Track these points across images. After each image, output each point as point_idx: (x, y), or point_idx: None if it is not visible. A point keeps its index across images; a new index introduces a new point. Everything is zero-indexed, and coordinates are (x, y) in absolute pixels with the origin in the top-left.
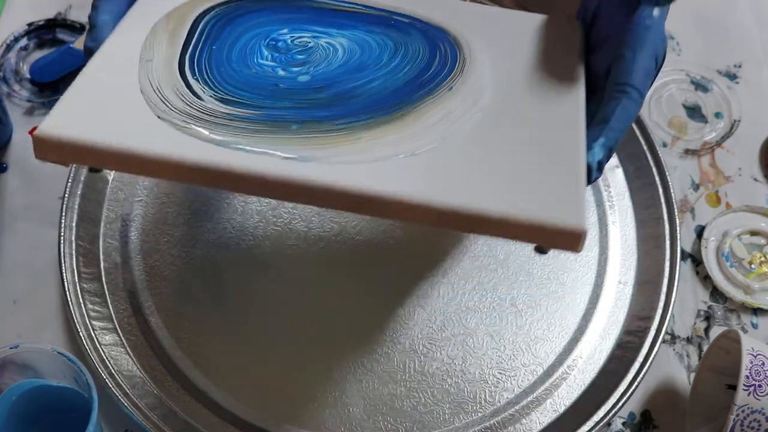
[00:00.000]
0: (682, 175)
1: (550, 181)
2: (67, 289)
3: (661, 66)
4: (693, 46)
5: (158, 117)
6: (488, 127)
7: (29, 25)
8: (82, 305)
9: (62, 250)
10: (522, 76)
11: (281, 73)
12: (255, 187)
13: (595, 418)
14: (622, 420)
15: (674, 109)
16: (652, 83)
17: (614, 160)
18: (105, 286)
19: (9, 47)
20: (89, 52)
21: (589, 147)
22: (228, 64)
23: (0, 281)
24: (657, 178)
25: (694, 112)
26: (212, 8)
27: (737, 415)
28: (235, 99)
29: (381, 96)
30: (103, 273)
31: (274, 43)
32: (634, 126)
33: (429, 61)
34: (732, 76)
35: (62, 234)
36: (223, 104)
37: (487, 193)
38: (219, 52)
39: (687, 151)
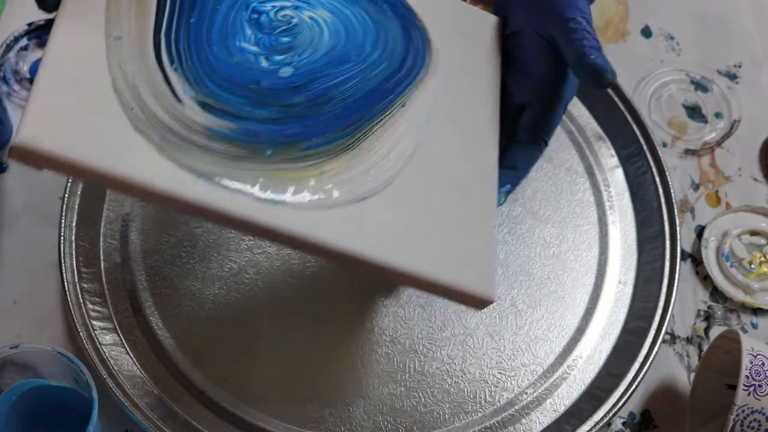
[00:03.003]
0: (682, 175)
1: (469, 246)
2: (67, 289)
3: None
4: (693, 46)
5: (136, 129)
6: (419, 169)
7: (29, 25)
8: (82, 305)
9: (62, 250)
10: (453, 100)
11: (264, 64)
12: (227, 224)
13: (595, 418)
14: (622, 420)
15: (674, 109)
16: None
17: (614, 160)
18: (105, 286)
19: (9, 47)
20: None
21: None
22: (209, 47)
23: (0, 281)
24: (657, 178)
25: (694, 112)
26: None
27: (737, 415)
28: (215, 105)
29: (347, 103)
30: (103, 273)
31: (256, 16)
32: (634, 126)
33: (402, 60)
34: (732, 76)
35: (62, 234)
36: (204, 112)
37: (419, 254)
38: (198, 27)
39: (687, 151)
